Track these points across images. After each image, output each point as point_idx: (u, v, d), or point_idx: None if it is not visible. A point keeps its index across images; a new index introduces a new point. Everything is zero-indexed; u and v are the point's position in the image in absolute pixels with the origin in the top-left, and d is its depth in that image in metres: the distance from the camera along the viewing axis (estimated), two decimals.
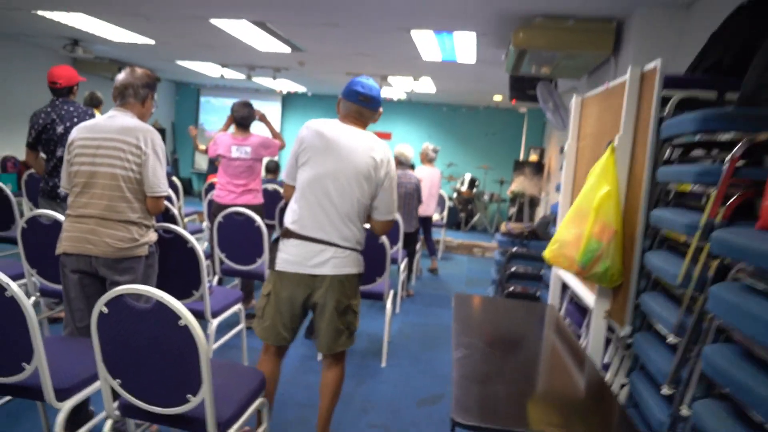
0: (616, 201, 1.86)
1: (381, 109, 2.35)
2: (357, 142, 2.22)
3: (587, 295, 2.22)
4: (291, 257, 2.20)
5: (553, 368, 1.90)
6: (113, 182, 2.25)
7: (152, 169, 2.29)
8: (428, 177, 5.95)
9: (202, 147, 7.04)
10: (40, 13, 5.01)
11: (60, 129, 3.45)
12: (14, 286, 1.65)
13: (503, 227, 3.99)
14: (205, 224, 5.30)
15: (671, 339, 1.45)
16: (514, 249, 3.75)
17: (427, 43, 4.95)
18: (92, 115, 3.54)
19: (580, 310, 2.73)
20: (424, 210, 5.93)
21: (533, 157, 8.83)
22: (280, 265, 2.21)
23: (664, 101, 1.82)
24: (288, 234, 2.22)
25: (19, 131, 3.55)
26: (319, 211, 2.19)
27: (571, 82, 5.66)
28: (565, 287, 2.86)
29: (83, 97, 4.95)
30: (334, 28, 4.70)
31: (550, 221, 3.73)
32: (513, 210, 8.12)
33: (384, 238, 3.32)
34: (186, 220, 6.09)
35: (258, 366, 2.34)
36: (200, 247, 4.39)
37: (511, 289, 3.64)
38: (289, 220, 2.23)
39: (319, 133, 2.21)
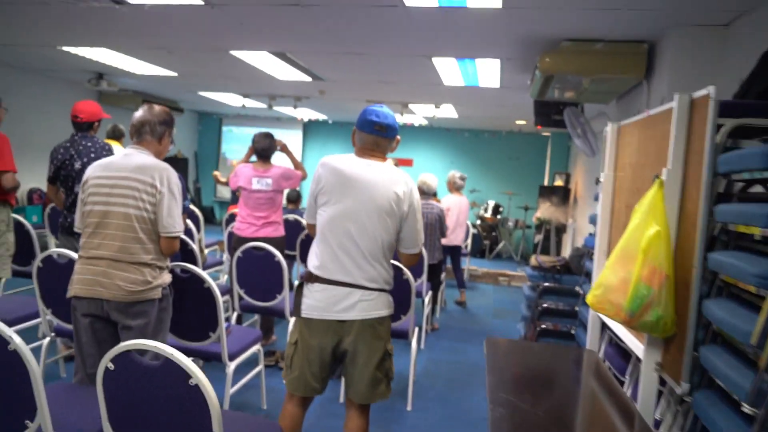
0: (666, 242, 1.69)
1: (398, 137, 2.23)
2: (377, 177, 2.09)
3: (633, 342, 2.03)
4: (316, 303, 2.07)
5: (601, 428, 1.71)
6: (126, 222, 2.16)
7: (167, 209, 2.20)
8: (456, 205, 5.79)
9: (223, 179, 7.04)
10: (65, 48, 5.08)
11: (78, 165, 3.41)
12: (17, 340, 1.55)
13: (533, 260, 3.81)
14: (225, 256, 5.22)
15: (747, 409, 1.26)
16: (546, 284, 3.56)
17: (448, 69, 4.86)
18: (110, 151, 3.50)
19: (621, 353, 2.52)
20: (452, 239, 5.77)
21: (558, 182, 8.62)
22: (305, 312, 2.08)
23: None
24: (312, 278, 2.09)
25: (45, 164, 3.53)
26: (342, 252, 2.06)
27: (598, 107, 5.50)
28: (603, 326, 2.66)
29: (106, 129, 4.96)
30: (355, 57, 4.65)
31: (584, 254, 3.54)
32: (539, 237, 7.89)
33: (408, 274, 3.18)
34: (207, 251, 6.03)
35: (281, 416, 2.19)
36: (221, 279, 4.28)
37: (544, 326, 3.43)
38: (312, 263, 2.11)
39: (336, 170, 2.09)
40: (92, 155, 3.44)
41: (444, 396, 3.57)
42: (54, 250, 2.72)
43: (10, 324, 2.94)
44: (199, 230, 5.57)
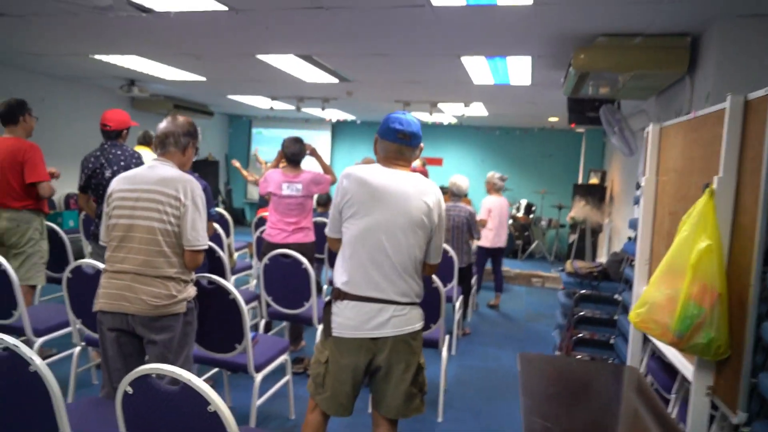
0: (718, 257, 1.55)
1: (422, 145, 2.14)
2: (407, 188, 2.01)
3: (681, 362, 1.89)
4: (347, 321, 1.99)
5: None
6: (150, 236, 2.14)
7: (191, 222, 2.16)
8: (497, 207, 5.66)
9: (251, 177, 7.08)
10: (96, 57, 5.15)
11: (108, 173, 3.43)
12: (38, 361, 1.52)
13: (568, 266, 3.65)
14: (255, 261, 5.21)
15: None
16: (582, 291, 3.40)
17: (478, 68, 4.73)
18: (139, 159, 3.52)
19: (665, 368, 2.37)
20: (495, 241, 5.65)
21: (593, 180, 8.36)
22: (336, 331, 2.01)
23: None
24: (341, 295, 2.01)
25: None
26: (373, 267, 1.98)
27: (636, 103, 5.27)
28: (646, 338, 2.51)
29: (137, 135, 5.01)
30: (382, 58, 4.56)
31: (623, 260, 3.37)
32: (574, 237, 7.66)
33: (438, 282, 3.08)
34: (237, 254, 6.05)
35: (303, 426, 2.13)
36: (251, 283, 4.25)
37: (580, 335, 3.29)
38: (340, 279, 2.03)
39: (363, 181, 2.01)
40: (122, 163, 3.46)
41: (477, 406, 3.46)
42: (83, 261, 2.72)
43: (42, 333, 3.00)
44: (228, 235, 5.59)
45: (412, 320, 2.02)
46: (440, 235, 2.10)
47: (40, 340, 2.95)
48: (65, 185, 6.68)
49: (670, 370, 2.30)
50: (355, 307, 1.98)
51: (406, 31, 3.66)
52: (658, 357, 2.47)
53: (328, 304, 2.05)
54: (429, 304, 3.12)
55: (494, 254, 5.81)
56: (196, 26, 3.83)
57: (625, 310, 3.09)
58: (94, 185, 3.48)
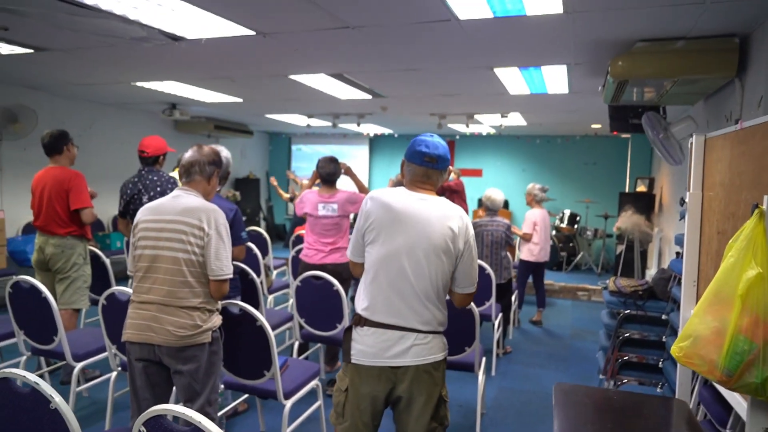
0: None
1: (451, 168, 2.06)
2: (431, 212, 1.94)
3: (734, 397, 1.72)
4: (367, 348, 1.93)
5: None
6: (175, 266, 2.14)
7: (215, 251, 2.16)
8: (541, 219, 5.48)
9: (285, 196, 7.15)
10: (138, 84, 5.33)
11: (145, 198, 3.50)
12: (58, 399, 1.52)
13: (611, 284, 3.46)
14: (292, 280, 5.22)
15: None
16: (627, 311, 3.21)
17: (512, 78, 4.61)
18: (174, 184, 3.58)
19: (719, 399, 2.18)
20: (540, 256, 5.47)
21: (641, 188, 8.01)
22: (355, 358, 1.95)
23: None
24: (361, 321, 1.96)
25: None
26: (393, 293, 1.92)
27: (684, 108, 5.01)
28: None
29: (178, 158, 5.14)
30: (413, 73, 4.51)
31: (671, 278, 3.16)
32: (621, 248, 7.34)
33: (471, 303, 2.97)
34: (276, 272, 6.09)
35: None
36: (290, 302, 4.25)
37: (626, 358, 3.09)
38: (361, 305, 1.97)
39: (386, 205, 1.96)
40: (158, 189, 3.53)
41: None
42: (116, 288, 2.77)
43: (81, 358, 3.06)
44: (265, 254, 5.64)
45: (434, 350, 1.94)
46: (470, 263, 2.00)
47: (79, 365, 3.02)
48: (114, 207, 6.94)
49: (724, 401, 2.12)
50: (374, 334, 1.92)
51: (434, 46, 3.60)
52: (711, 385, 2.28)
53: (349, 330, 2.00)
54: (463, 327, 3.02)
55: (537, 268, 5.63)
56: (227, 51, 3.89)
57: (674, 331, 2.89)
58: (132, 210, 3.56)
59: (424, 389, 1.93)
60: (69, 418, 1.52)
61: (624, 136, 8.82)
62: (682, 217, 2.64)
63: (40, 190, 3.72)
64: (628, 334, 3.12)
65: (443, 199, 2.01)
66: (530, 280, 5.82)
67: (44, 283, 3.43)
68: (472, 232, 2.01)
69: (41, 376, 3.59)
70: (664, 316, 3.10)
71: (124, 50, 3.93)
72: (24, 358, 3.19)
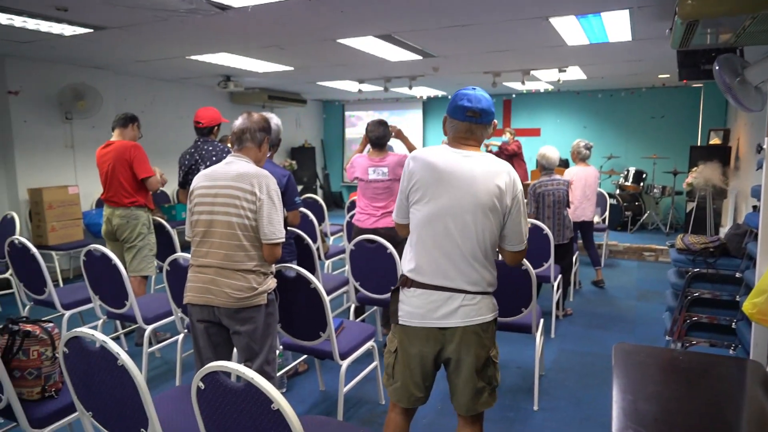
0: None
1: (495, 122, 1.97)
2: (476, 170, 1.87)
3: None
4: (414, 309, 1.92)
5: None
6: (230, 231, 2.20)
7: (267, 216, 2.20)
8: (581, 177, 5.28)
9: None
10: (192, 57, 5.45)
11: (203, 168, 3.60)
12: (124, 356, 1.61)
13: (678, 241, 3.26)
14: (347, 245, 5.28)
15: None
16: (696, 269, 3.03)
17: (570, 28, 4.35)
18: (229, 152, 3.65)
19: None
20: (578, 214, 5.27)
21: (715, 141, 7.46)
22: (403, 319, 1.95)
23: None
24: (408, 283, 1.95)
25: None
26: (440, 254, 1.89)
27: (763, 48, 4.56)
28: None
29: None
30: (463, 29, 4.34)
31: (746, 233, 2.94)
32: (692, 205, 6.92)
33: (527, 264, 2.89)
34: (333, 237, 6.19)
35: (385, 425, 2.10)
36: (347, 267, 4.33)
37: (695, 319, 2.93)
38: (407, 266, 1.96)
39: (429, 164, 1.90)
40: (214, 158, 3.62)
41: (576, 394, 3.24)
42: (178, 254, 2.89)
43: (151, 321, 3.24)
44: (321, 221, 5.73)
45: (482, 311, 1.90)
46: (518, 220, 1.93)
47: (150, 328, 3.20)
48: (176, 180, 7.23)
49: None
50: (422, 295, 1.90)
51: None
52: None
53: (396, 291, 1.99)
54: (519, 288, 2.96)
55: (582, 228, 5.41)
56: (274, 17, 3.88)
57: (749, 290, 2.70)
58: (191, 181, 3.67)
59: (473, 350, 1.91)
60: (134, 374, 1.61)
61: (695, 84, 8.20)
62: (760, 166, 2.43)
63: (104, 164, 3.91)
64: (697, 294, 2.94)
65: (489, 155, 1.94)
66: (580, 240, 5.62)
67: (114, 252, 3.63)
68: (520, 187, 1.93)
69: (116, 338, 3.85)
70: (738, 274, 2.90)
71: (177, 24, 4.00)
72: (101, 321, 3.42)
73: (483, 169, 1.87)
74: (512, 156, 8.04)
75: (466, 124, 1.91)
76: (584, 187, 5.27)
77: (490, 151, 8.32)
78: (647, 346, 1.99)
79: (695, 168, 6.47)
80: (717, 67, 3.59)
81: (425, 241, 1.91)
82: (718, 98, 8.13)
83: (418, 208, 1.93)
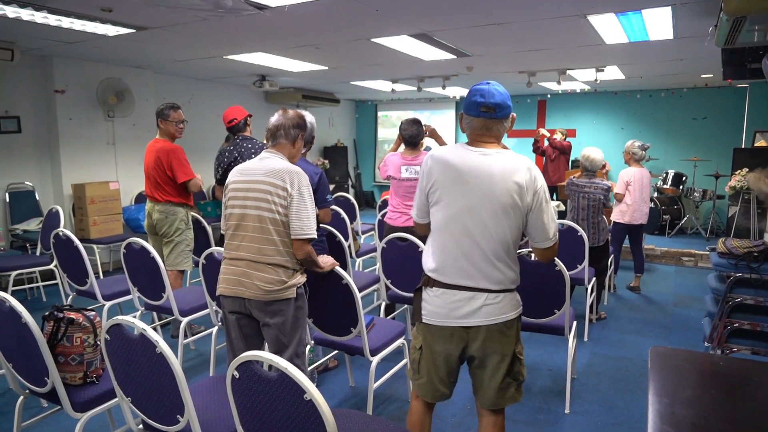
0: None
1: (513, 115, 1.93)
2: (494, 167, 1.85)
3: None
4: (437, 309, 1.93)
5: None
6: (261, 225, 2.24)
7: (296, 212, 2.23)
8: (638, 179, 5.13)
9: None
10: (229, 57, 5.56)
11: None
12: (162, 344, 1.67)
13: (720, 245, 3.15)
14: (379, 244, 5.30)
15: None
16: (739, 274, 2.92)
17: (608, 26, 4.26)
18: None
19: None
20: (636, 217, 5.15)
21: (761, 143, 7.20)
22: (426, 318, 1.96)
23: None
24: (430, 282, 1.95)
25: None
26: (460, 254, 1.88)
27: None
28: None
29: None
30: (499, 28, 4.31)
31: None
32: (734, 210, 6.69)
33: (561, 264, 2.85)
34: (364, 236, 6.22)
35: (408, 416, 2.12)
36: (378, 265, 4.36)
37: (736, 325, 2.83)
38: (429, 266, 1.96)
39: (447, 163, 1.90)
40: (253, 155, 3.68)
41: (609, 399, 3.18)
42: (214, 248, 2.96)
43: (187, 313, 3.32)
44: (353, 219, 5.76)
45: (505, 309, 1.89)
46: (541, 217, 1.88)
47: (185, 320, 3.28)
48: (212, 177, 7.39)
49: None
50: (444, 294, 1.90)
51: None
52: None
53: (419, 291, 2.00)
54: (552, 289, 2.92)
55: (633, 231, 5.28)
56: (310, 17, 3.93)
57: None
58: None
59: (498, 348, 1.91)
60: (172, 362, 1.66)
61: (741, 85, 7.92)
62: None
63: (147, 161, 4.02)
64: (739, 300, 2.85)
65: (508, 152, 1.91)
66: (627, 244, 5.48)
67: (154, 246, 3.74)
68: (541, 182, 1.88)
69: (153, 330, 3.96)
70: None
71: (215, 24, 4.09)
72: (139, 312, 3.52)
73: (501, 167, 1.84)
74: (562, 153, 7.90)
75: (481, 120, 1.88)
76: (641, 189, 5.13)
77: (543, 137, 8.17)
78: (685, 350, 1.93)
79: (739, 171, 6.26)
80: (765, 65, 3.45)
81: (446, 241, 1.91)
82: (765, 98, 7.84)
83: (437, 209, 1.93)
